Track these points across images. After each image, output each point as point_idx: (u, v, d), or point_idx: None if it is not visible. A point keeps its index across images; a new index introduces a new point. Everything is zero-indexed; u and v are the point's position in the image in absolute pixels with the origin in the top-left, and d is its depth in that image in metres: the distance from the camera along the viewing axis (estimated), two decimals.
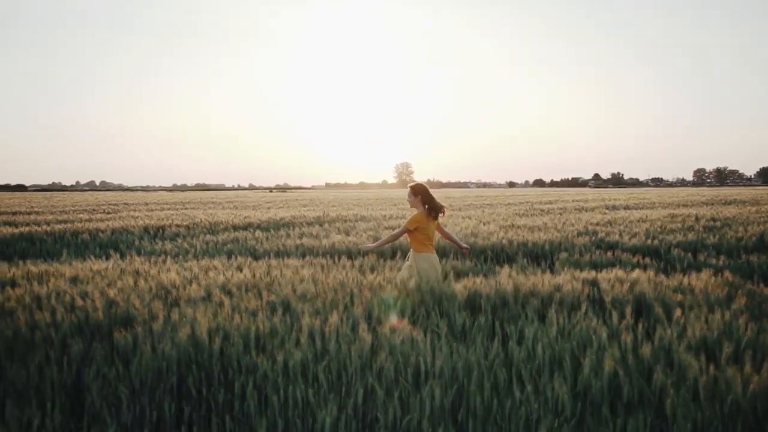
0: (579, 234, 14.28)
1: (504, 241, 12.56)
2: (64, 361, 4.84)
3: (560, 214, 23.49)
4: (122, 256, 11.21)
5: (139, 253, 12.21)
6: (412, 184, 7.71)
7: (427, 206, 7.63)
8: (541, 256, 11.77)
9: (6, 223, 20.35)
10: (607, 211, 24.72)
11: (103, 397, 4.51)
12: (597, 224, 16.66)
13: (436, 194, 15.52)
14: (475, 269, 9.85)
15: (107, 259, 10.48)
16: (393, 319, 5.74)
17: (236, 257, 10.29)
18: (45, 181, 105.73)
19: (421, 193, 7.63)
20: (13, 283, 7.76)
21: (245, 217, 21.25)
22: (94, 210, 31.09)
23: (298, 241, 13.28)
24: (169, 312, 5.91)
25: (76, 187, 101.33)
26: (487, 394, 4.20)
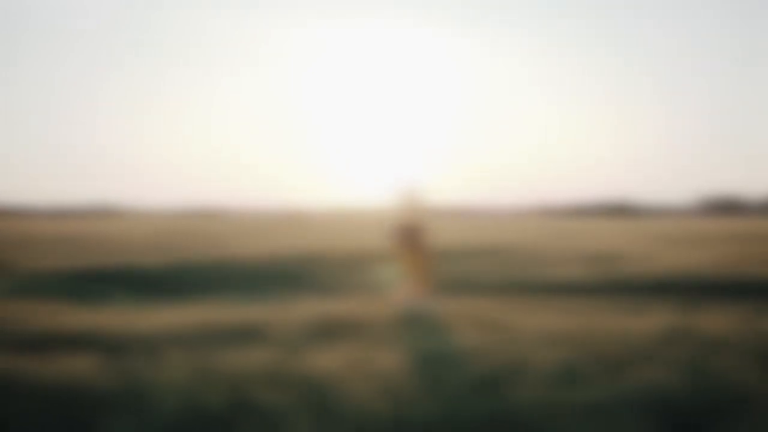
0: None
1: None
2: None
3: None
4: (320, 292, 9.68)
5: (336, 288, 10.66)
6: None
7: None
8: None
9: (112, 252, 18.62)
10: None
11: None
12: None
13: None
14: None
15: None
16: None
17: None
18: (43, 201, 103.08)
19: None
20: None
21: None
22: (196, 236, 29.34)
23: None
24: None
25: (78, 208, 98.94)
26: None
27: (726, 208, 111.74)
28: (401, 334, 5.85)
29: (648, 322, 6.13)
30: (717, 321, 6.35)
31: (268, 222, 58.74)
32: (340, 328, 6.29)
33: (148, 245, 21.36)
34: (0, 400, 4.57)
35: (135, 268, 13.05)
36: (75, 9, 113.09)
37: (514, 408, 3.71)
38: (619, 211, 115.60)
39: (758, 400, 3.98)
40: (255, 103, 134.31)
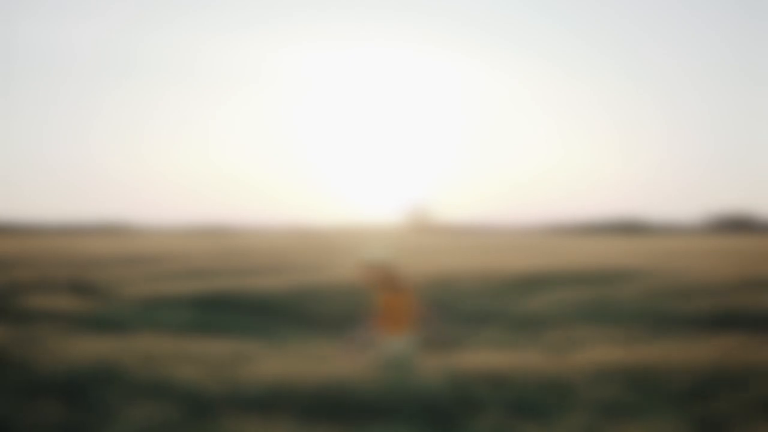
0: None
1: None
2: None
3: None
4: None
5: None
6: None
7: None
8: None
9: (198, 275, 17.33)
10: None
11: None
12: None
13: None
14: None
15: None
16: None
17: None
18: (52, 220, 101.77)
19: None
20: None
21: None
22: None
23: None
24: None
25: (84, 226, 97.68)
26: None
27: (736, 225, 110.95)
28: None
29: None
30: None
31: (296, 240, 57.18)
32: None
33: (228, 266, 20.02)
34: None
35: (257, 295, 11.85)
36: (84, 24, 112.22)
37: None
38: (629, 229, 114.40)
39: None
40: (261, 122, 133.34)
